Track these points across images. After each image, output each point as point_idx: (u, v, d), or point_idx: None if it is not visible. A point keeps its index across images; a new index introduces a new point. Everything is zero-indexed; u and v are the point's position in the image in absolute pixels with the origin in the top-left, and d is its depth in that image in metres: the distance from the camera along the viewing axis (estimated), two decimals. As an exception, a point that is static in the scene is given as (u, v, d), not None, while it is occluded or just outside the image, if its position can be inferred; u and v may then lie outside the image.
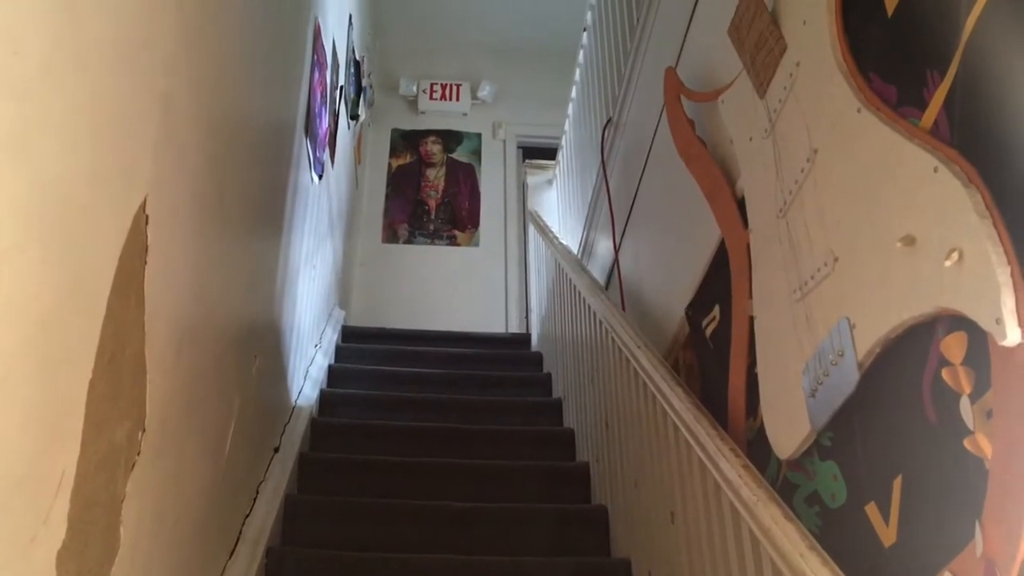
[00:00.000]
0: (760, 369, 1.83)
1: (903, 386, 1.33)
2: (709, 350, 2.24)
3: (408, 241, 5.99)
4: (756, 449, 1.85)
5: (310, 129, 3.24)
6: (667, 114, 2.50)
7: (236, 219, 2.09)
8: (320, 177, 3.54)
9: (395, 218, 6.06)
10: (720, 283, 2.18)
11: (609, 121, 3.39)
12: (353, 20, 4.84)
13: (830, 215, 1.55)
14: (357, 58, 5.05)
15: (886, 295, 1.34)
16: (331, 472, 2.90)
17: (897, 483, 1.35)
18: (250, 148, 2.25)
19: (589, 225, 3.86)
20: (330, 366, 3.81)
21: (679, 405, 2.03)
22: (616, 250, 3.19)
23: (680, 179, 2.48)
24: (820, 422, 1.54)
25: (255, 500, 2.45)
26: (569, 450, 3.22)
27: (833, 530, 1.53)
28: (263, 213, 2.46)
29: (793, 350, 1.65)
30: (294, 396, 3.14)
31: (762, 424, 1.83)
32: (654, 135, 2.83)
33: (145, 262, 1.44)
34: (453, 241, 6.02)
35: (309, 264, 3.46)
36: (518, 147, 6.46)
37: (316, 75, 3.38)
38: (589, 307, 3.09)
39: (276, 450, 2.77)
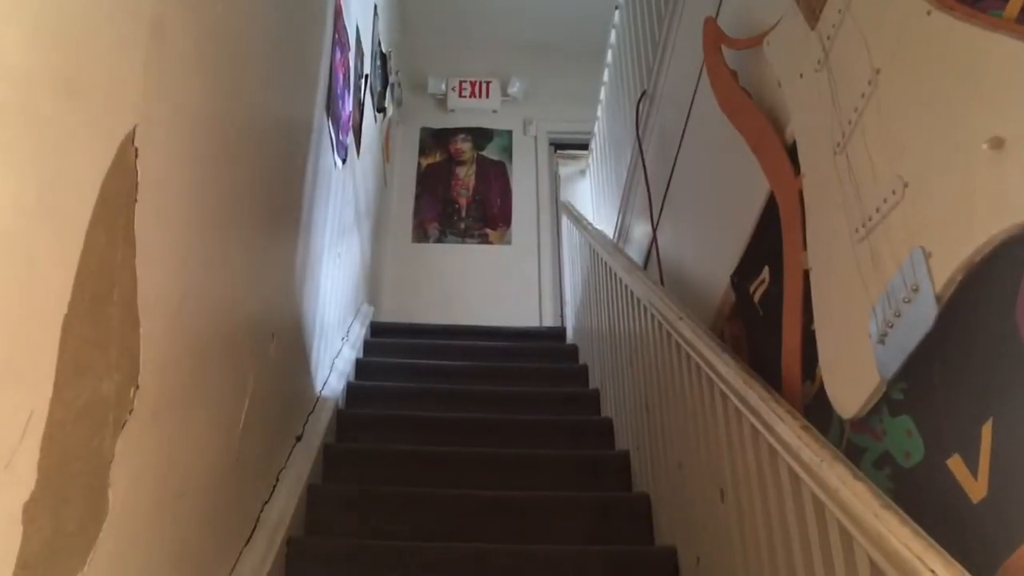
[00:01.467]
0: (818, 324, 1.65)
1: (992, 316, 1.15)
2: (758, 316, 2.07)
3: (439, 240, 5.86)
4: (814, 413, 1.68)
5: (332, 109, 3.12)
6: (707, 67, 2.34)
7: (250, 186, 1.96)
8: (344, 161, 3.41)
9: (425, 217, 5.94)
10: (769, 242, 2.01)
11: (644, 94, 3.24)
12: (379, 11, 4.73)
13: (897, 138, 1.38)
14: (384, 51, 4.94)
15: (969, 212, 1.17)
16: (357, 463, 2.75)
17: (987, 430, 1.17)
18: (268, 116, 2.12)
19: (624, 209, 3.69)
20: (358, 359, 3.67)
21: (726, 372, 1.85)
22: (654, 228, 3.03)
23: (722, 138, 2.32)
24: (891, 370, 1.37)
25: (275, 487, 2.31)
26: (607, 439, 3.05)
27: (909, 492, 1.35)
28: (277, 188, 2.33)
29: (857, 295, 1.47)
30: (318, 386, 3.00)
31: (820, 388, 1.66)
32: (692, 99, 2.67)
33: (135, 200, 1.31)
34: (485, 239, 5.88)
35: (333, 251, 3.33)
36: (549, 143, 6.32)
37: (338, 55, 3.27)
38: (626, 287, 2.93)
39: (299, 439, 2.63)
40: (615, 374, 3.11)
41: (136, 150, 1.30)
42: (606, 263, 3.30)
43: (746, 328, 2.19)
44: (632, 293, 2.82)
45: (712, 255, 2.49)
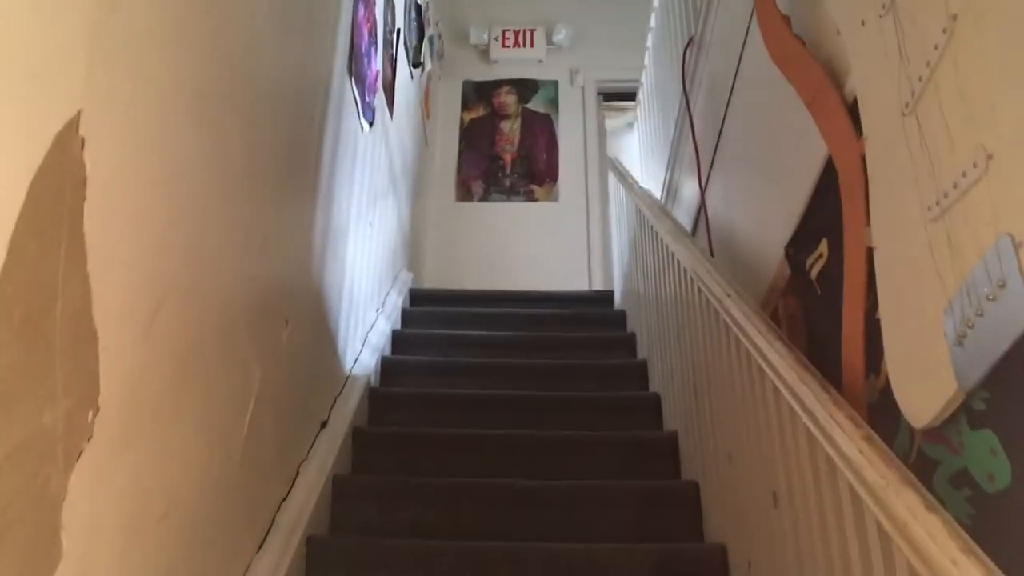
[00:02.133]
0: (884, 313, 1.43)
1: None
2: (815, 295, 1.84)
3: (483, 199, 5.66)
4: (880, 414, 1.46)
5: (355, 70, 2.93)
6: (756, 11, 2.09)
7: (244, 166, 1.79)
8: (371, 124, 3.22)
9: (469, 175, 5.74)
10: (827, 211, 1.77)
11: (691, 41, 2.97)
12: (411, -40, 4.49)
13: (979, 99, 1.14)
14: (419, 2, 4.71)
15: (1075, 195, 0.94)
16: (388, 448, 2.61)
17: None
18: (265, 81, 1.94)
19: (672, 165, 3.45)
20: (394, 331, 3.52)
21: (779, 363, 1.64)
22: (702, 189, 2.79)
23: (774, 91, 2.07)
24: (971, 378, 1.15)
25: (294, 482, 2.18)
26: (655, 418, 2.85)
27: (991, 521, 1.14)
28: (289, 160, 2.16)
29: (930, 285, 1.25)
30: (348, 364, 2.86)
31: (887, 383, 1.44)
32: (743, 46, 2.41)
33: (84, 197, 1.14)
34: (531, 196, 5.66)
35: (362, 221, 3.16)
36: (598, 93, 6.03)
37: (361, 10, 3.06)
38: (672, 255, 2.71)
39: (324, 424, 2.49)
40: (662, 347, 2.90)
41: (83, 140, 1.13)
42: (652, 227, 3.07)
43: (802, 307, 1.96)
44: (678, 262, 2.60)
45: (765, 223, 2.26)
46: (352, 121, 2.94)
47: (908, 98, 1.33)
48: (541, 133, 5.86)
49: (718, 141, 2.70)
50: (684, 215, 3.26)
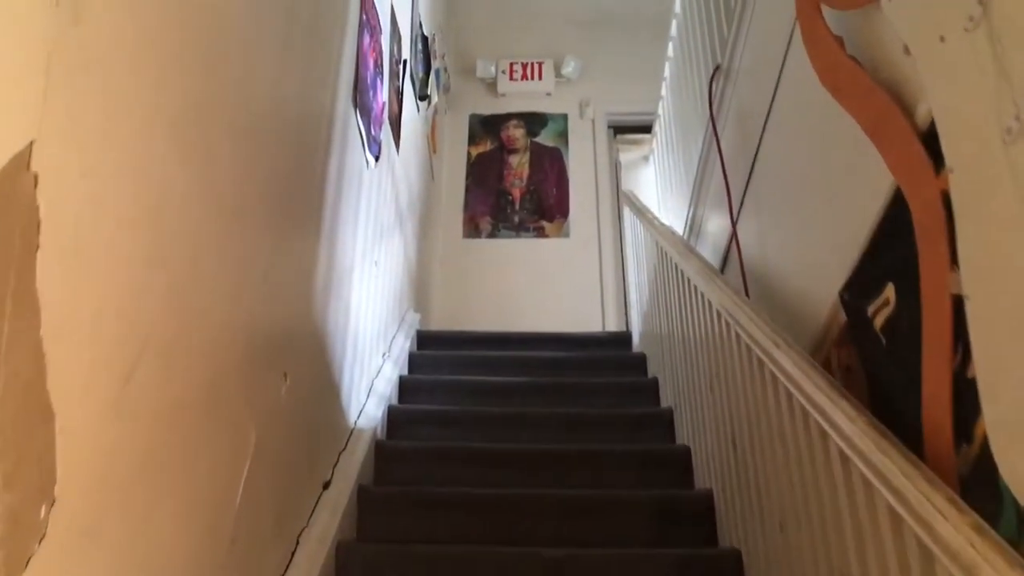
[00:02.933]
0: (981, 371, 1.22)
1: None
2: (880, 347, 1.63)
3: (491, 235, 5.47)
4: (974, 489, 1.25)
5: (360, 101, 2.75)
6: (803, 33, 1.90)
7: (238, 200, 1.60)
8: (377, 159, 3.04)
9: (476, 211, 5.55)
10: (895, 253, 1.57)
11: (717, 69, 2.79)
12: (418, -10, 4.34)
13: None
14: (425, 34, 4.56)
15: None
16: (396, 510, 2.39)
17: None
18: (262, 108, 1.75)
19: (696, 201, 3.25)
20: (401, 377, 3.31)
21: (848, 427, 1.43)
22: (733, 223, 2.59)
23: (822, 119, 1.88)
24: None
25: (293, 554, 1.96)
26: (685, 474, 2.63)
27: None
28: (289, 195, 1.97)
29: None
30: (352, 416, 2.64)
31: (982, 452, 1.23)
32: (780, 72, 2.22)
33: (37, 245, 0.94)
34: (541, 233, 5.47)
35: (368, 260, 2.96)
36: (608, 126, 5.87)
37: (367, 39, 2.89)
38: (702, 296, 2.51)
39: (326, 485, 2.27)
40: (691, 395, 2.68)
41: (36, 176, 0.94)
42: (677, 265, 2.87)
43: (862, 359, 1.75)
44: (710, 304, 2.39)
45: (812, 264, 2.06)
46: (357, 155, 2.75)
47: (1012, 123, 1.13)
48: (551, 168, 5.69)
49: (751, 174, 2.51)
50: (710, 253, 3.06)
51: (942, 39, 1.34)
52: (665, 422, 2.97)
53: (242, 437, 1.63)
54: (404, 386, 3.29)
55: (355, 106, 2.69)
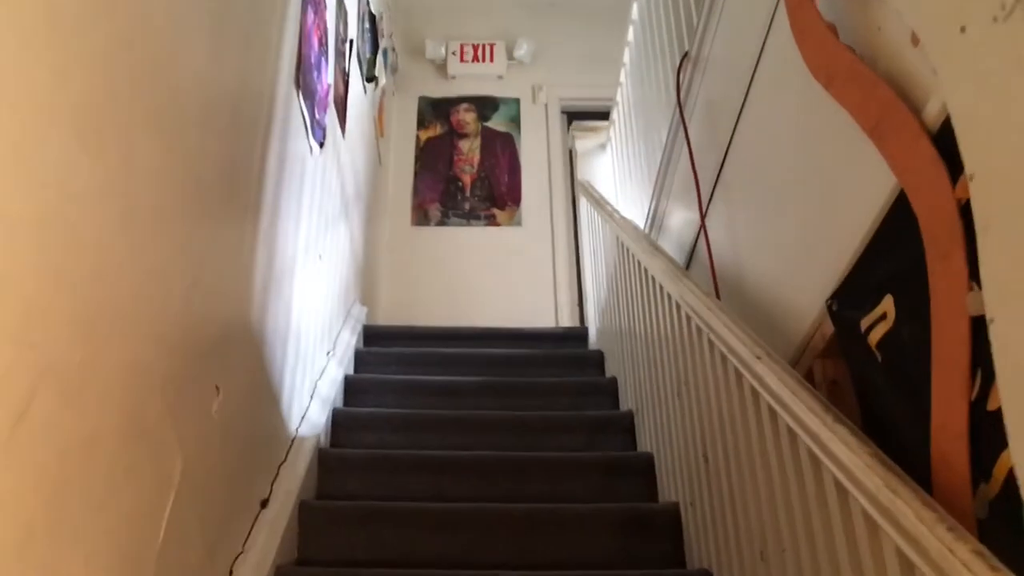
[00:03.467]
0: (1010, 402, 1.08)
1: None
2: (875, 364, 1.50)
3: (441, 223, 5.27)
4: (993, 534, 1.12)
5: (303, 83, 2.54)
6: (791, 21, 1.75)
7: (161, 196, 1.40)
8: (322, 145, 2.83)
9: (425, 197, 5.35)
10: (895, 263, 1.43)
11: (685, 56, 2.64)
12: (365, -35, 4.12)
13: None
14: (373, 12, 4.34)
15: None
16: (340, 527, 2.21)
17: None
18: (191, 94, 1.55)
19: (658, 193, 3.11)
20: (346, 377, 3.12)
21: (848, 458, 1.29)
22: (703, 219, 2.45)
23: (809, 113, 1.74)
24: None
25: (227, 586, 1.77)
26: (648, 484, 2.50)
27: None
28: (223, 188, 1.77)
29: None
30: (294, 424, 2.45)
31: (1004, 492, 1.10)
32: (758, 60, 2.08)
33: None
34: (492, 221, 5.29)
35: (311, 254, 2.76)
36: (562, 112, 5.70)
37: (311, 16, 2.68)
38: (668, 297, 2.36)
39: (264, 504, 2.08)
40: (655, 400, 2.54)
41: None
42: (639, 262, 2.72)
43: (853, 375, 1.62)
44: (678, 307, 2.25)
45: (792, 267, 1.92)
46: (300, 142, 2.55)
47: (1053, 125, 0.99)
48: (502, 153, 5.51)
49: (721, 167, 2.37)
50: (674, 249, 2.92)
51: (963, 29, 1.19)
52: (626, 426, 2.83)
53: (167, 466, 1.44)
54: (350, 386, 3.10)
55: (298, 88, 2.49)
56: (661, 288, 2.47)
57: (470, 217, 5.29)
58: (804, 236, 1.85)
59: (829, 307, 1.68)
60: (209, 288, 1.68)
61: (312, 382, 2.75)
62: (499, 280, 5.01)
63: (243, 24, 1.92)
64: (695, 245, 2.67)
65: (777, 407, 1.57)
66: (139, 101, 1.30)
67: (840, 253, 1.63)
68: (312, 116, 2.67)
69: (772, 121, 2.05)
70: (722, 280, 2.38)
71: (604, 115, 4.72)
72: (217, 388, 1.72)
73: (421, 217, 5.28)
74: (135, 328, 1.29)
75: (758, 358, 1.67)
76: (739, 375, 1.79)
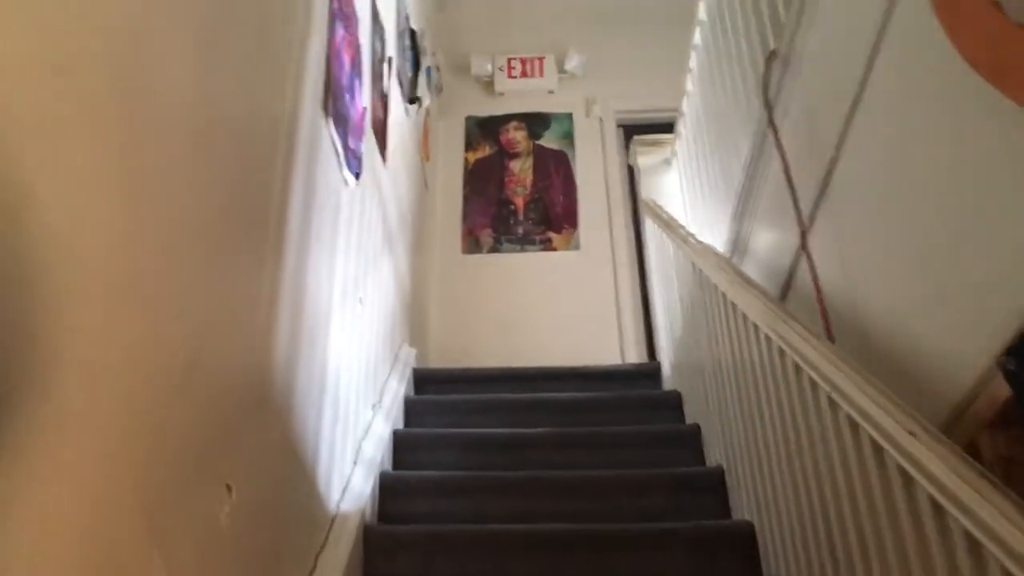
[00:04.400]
0: None
1: None
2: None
3: (493, 249, 4.93)
4: None
5: (334, 109, 2.23)
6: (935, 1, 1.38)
7: (127, 248, 1.07)
8: (358, 176, 2.51)
9: (476, 223, 5.02)
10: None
11: (772, 55, 2.27)
12: (403, -22, 3.82)
13: None
14: (413, 28, 4.03)
15: None
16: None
17: None
18: (165, 119, 1.23)
19: (741, 213, 2.73)
20: (395, 432, 2.79)
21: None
22: (804, 244, 2.07)
23: (960, 113, 1.36)
24: None
25: None
26: (746, 561, 2.11)
27: None
28: (225, 231, 1.45)
29: None
30: (334, 499, 2.12)
31: None
32: (874, 53, 1.70)
33: None
34: (548, 245, 4.94)
35: (351, 298, 2.44)
36: (618, 126, 5.34)
37: (339, 32, 2.36)
38: (767, 340, 1.99)
39: (298, 607, 1.75)
40: (752, 459, 2.16)
41: None
42: (724, 295, 2.35)
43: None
44: (782, 353, 1.88)
45: (941, 311, 1.53)
46: (331, 174, 2.23)
47: None
48: (556, 172, 5.16)
49: (826, 184, 1.99)
50: (763, 276, 2.54)
51: None
52: (714, 485, 2.45)
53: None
54: (400, 442, 2.76)
55: (327, 114, 2.17)
56: (756, 328, 2.09)
57: (524, 242, 4.95)
58: (960, 271, 1.47)
59: (1003, 366, 1.30)
60: (216, 358, 1.35)
61: (355, 443, 2.43)
62: (558, 309, 4.65)
63: (249, 40, 1.60)
64: (791, 273, 2.29)
65: (947, 503, 1.19)
66: (101, 132, 0.98)
67: (1016, 298, 1.24)
68: (345, 145, 2.35)
69: (899, 123, 1.66)
70: (837, 320, 1.99)
71: (664, 127, 4.35)
72: (229, 488, 1.39)
73: (472, 244, 4.95)
74: (108, 430, 0.97)
75: (912, 434, 1.29)
76: (877, 448, 1.41)
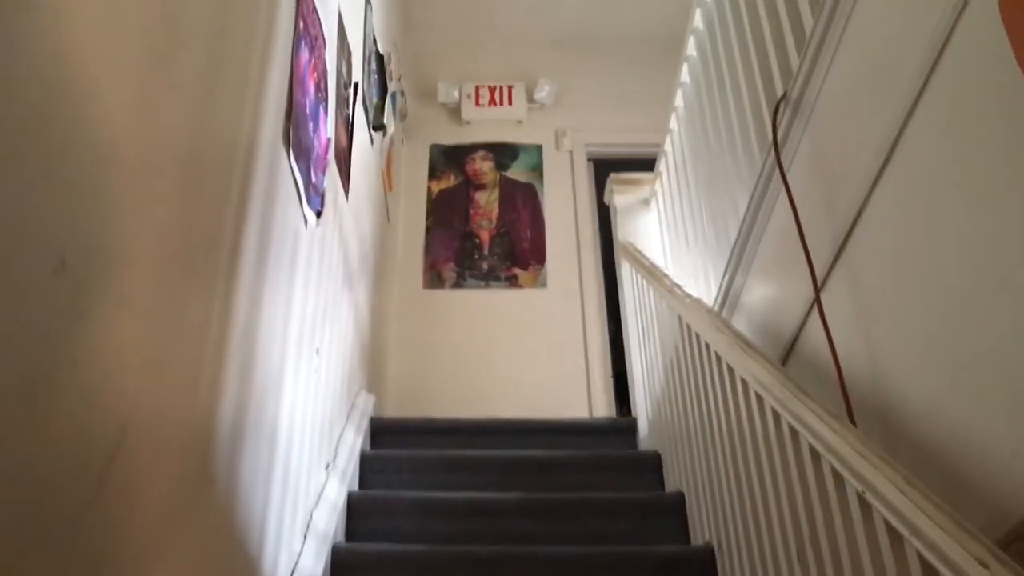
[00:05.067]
0: None
1: None
2: None
3: (456, 285, 4.69)
4: None
5: (295, 139, 1.98)
6: (1012, 34, 1.18)
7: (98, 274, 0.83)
8: (319, 215, 2.27)
9: (439, 257, 4.78)
10: None
11: (783, 99, 2.08)
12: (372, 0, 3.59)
13: None
14: (381, 52, 3.80)
15: None
16: None
17: None
18: (94, 144, 0.99)
19: (734, 264, 2.53)
20: (350, 496, 2.53)
21: None
22: (818, 305, 1.86)
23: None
24: None
25: None
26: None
27: None
28: (181, 272, 1.20)
29: None
30: (279, 586, 1.86)
31: None
32: (918, 98, 1.51)
33: None
34: (514, 282, 4.71)
35: (306, 350, 2.19)
36: (589, 159, 5.15)
37: (304, 54, 2.13)
38: (775, 415, 1.78)
39: None
40: (756, 547, 1.94)
41: None
42: (720, 356, 2.15)
43: None
44: (794, 433, 1.67)
45: (1001, 400, 1.33)
46: (291, 212, 1.98)
47: None
48: (524, 206, 4.95)
49: (846, 240, 1.80)
50: (757, 335, 2.34)
51: None
52: (704, 565, 2.22)
53: None
54: (355, 507, 2.50)
55: (288, 146, 1.93)
56: (760, 399, 1.89)
57: (489, 278, 4.71)
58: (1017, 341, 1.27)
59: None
60: (150, 427, 1.11)
61: (306, 512, 2.16)
62: (523, 350, 4.42)
63: (200, 58, 1.36)
64: (796, 337, 2.09)
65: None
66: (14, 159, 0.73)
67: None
68: (307, 180, 2.11)
69: (956, 186, 1.47)
70: (857, 395, 1.78)
71: (639, 163, 4.17)
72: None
73: (434, 279, 4.70)
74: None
75: (984, 566, 1.08)
76: (930, 568, 1.20)
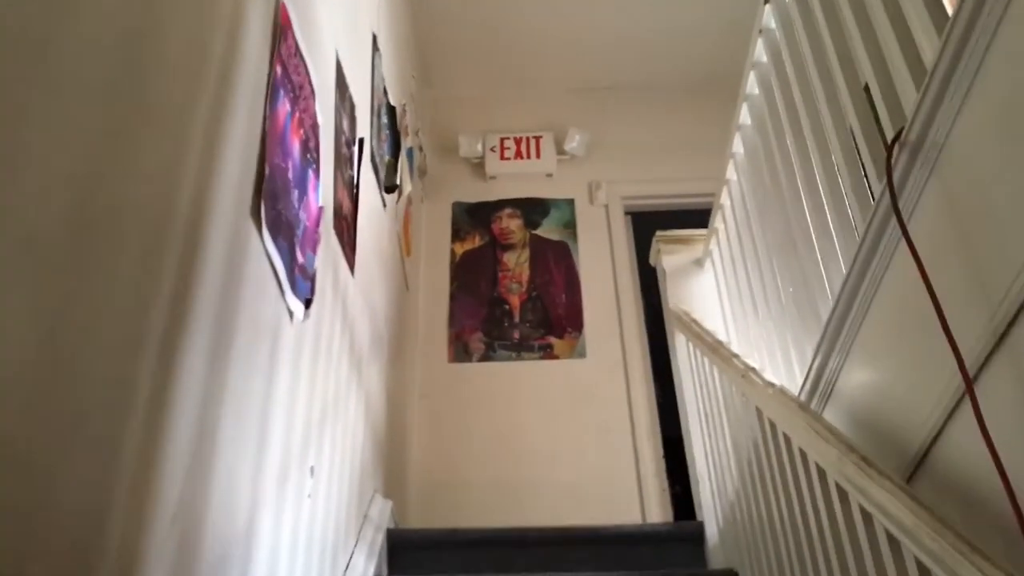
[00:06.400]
0: None
1: None
2: None
3: (485, 357, 4.22)
4: None
5: (271, 214, 1.55)
6: None
7: None
8: (308, 304, 1.82)
9: (465, 326, 4.31)
10: None
11: (897, 139, 1.61)
12: (380, 44, 3.19)
13: None
14: (392, 104, 3.39)
15: None
16: None
17: None
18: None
19: (829, 346, 2.04)
20: (360, 645, 2.04)
21: None
22: (972, 401, 1.37)
23: None
24: None
25: None
26: None
27: None
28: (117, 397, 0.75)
29: None
30: None
31: None
32: None
33: None
34: (548, 352, 4.23)
35: (295, 475, 1.73)
36: (626, 213, 4.70)
37: (285, 106, 1.70)
38: (920, 565, 1.30)
39: None
40: None
41: None
42: (824, 471, 1.66)
43: None
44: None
45: None
46: (266, 305, 1.54)
47: None
48: (557, 267, 4.49)
49: (1014, 321, 1.32)
50: (867, 442, 1.84)
51: None
52: None
53: None
54: (365, 659, 2.01)
55: (259, 221, 1.49)
56: (890, 537, 1.40)
57: (521, 348, 4.24)
58: None
59: None
60: None
61: None
62: (561, 430, 3.93)
63: (125, 113, 0.93)
64: (928, 446, 1.60)
65: None
66: None
67: None
68: (290, 263, 1.67)
69: None
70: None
71: (682, 216, 3.72)
72: None
73: (460, 351, 4.24)
74: None
75: None
76: None
